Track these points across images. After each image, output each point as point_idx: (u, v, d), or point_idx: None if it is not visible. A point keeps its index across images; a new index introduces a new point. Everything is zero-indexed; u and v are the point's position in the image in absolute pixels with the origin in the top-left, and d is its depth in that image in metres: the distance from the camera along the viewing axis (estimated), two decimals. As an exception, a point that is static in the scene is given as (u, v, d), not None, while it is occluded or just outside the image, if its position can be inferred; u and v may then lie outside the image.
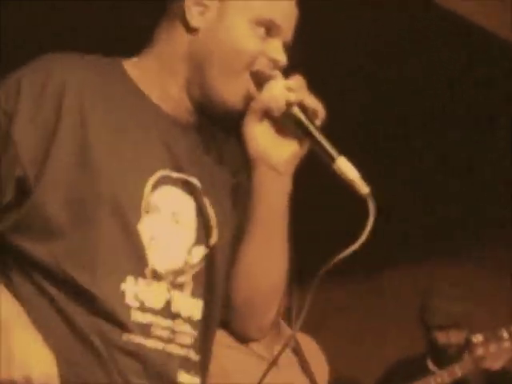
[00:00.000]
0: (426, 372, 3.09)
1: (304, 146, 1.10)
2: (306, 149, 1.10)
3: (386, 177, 3.12)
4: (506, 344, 2.98)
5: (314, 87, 1.10)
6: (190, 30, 1.11)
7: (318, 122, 1.08)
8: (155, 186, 1.09)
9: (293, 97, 1.07)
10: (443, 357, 3.12)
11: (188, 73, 1.13)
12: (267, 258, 1.15)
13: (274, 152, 1.10)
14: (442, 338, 3.10)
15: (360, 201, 1.04)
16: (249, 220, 1.14)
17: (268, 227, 1.13)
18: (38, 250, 1.05)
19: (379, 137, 3.61)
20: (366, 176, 1.05)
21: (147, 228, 1.07)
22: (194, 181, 1.13)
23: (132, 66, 1.16)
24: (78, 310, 1.04)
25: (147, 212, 1.07)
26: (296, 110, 1.07)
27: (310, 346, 2.62)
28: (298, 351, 2.51)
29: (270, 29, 1.11)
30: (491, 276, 3.94)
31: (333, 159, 1.05)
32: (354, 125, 3.25)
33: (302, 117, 1.07)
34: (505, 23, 2.90)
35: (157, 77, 1.15)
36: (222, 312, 1.17)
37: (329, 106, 1.08)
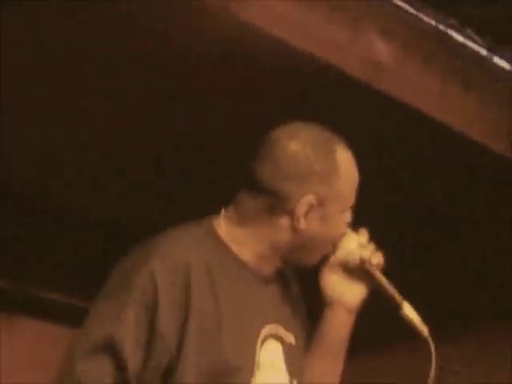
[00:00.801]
0: None
1: (369, 288, 1.41)
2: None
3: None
4: None
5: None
6: (296, 229, 1.32)
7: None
8: (261, 344, 1.35)
9: (366, 255, 1.37)
10: None
11: (286, 251, 1.35)
12: (331, 372, 1.48)
13: (348, 297, 1.41)
14: None
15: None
16: (318, 345, 1.44)
17: (335, 352, 1.45)
18: None
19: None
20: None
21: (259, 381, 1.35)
22: (282, 331, 1.40)
23: (223, 232, 1.35)
24: None
25: (258, 369, 1.34)
26: (369, 266, 1.38)
27: None
28: None
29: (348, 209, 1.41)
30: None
31: (400, 306, 1.36)
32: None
33: (376, 273, 1.38)
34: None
35: (252, 245, 1.34)
36: None
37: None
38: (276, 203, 1.33)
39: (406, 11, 2.53)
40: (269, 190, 1.33)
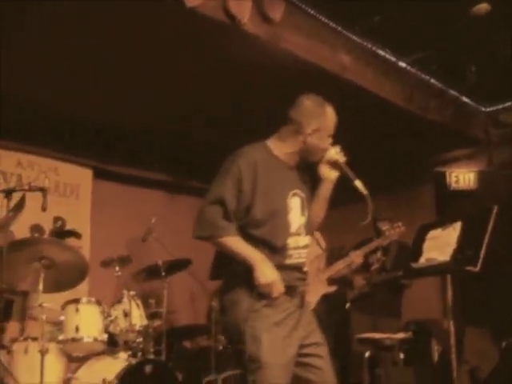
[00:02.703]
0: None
1: (340, 173, 2.71)
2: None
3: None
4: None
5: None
6: (304, 141, 2.66)
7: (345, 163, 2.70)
8: (290, 198, 2.68)
9: (342, 157, 2.69)
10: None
11: (298, 150, 2.69)
12: (321, 209, 2.79)
13: (331, 175, 2.73)
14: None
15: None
16: (317, 197, 2.76)
17: (325, 199, 2.77)
18: (255, 232, 2.59)
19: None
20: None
21: (290, 216, 2.66)
22: (299, 192, 2.73)
23: (272, 145, 2.72)
24: (271, 253, 2.58)
25: (290, 210, 2.66)
26: (341, 163, 2.68)
27: None
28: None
29: (330, 135, 2.70)
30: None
31: (353, 181, 2.63)
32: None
33: (342, 164, 2.68)
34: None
35: (283, 147, 2.71)
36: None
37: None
38: (297, 128, 2.65)
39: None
40: (295, 121, 2.66)
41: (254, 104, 4.69)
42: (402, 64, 4.88)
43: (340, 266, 5.07)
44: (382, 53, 4.70)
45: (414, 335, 4.84)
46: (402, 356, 4.70)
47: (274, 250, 2.59)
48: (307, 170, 2.82)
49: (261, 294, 2.52)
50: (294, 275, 2.66)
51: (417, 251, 3.68)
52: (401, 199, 6.16)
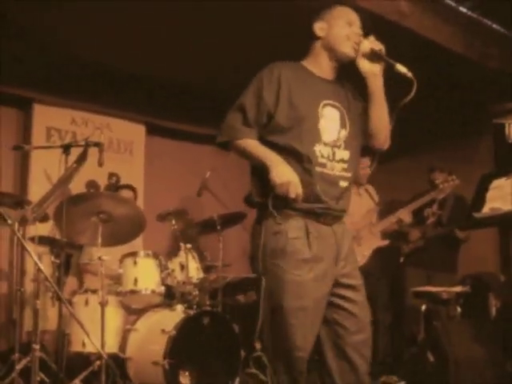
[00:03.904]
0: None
1: (380, 64, 2.50)
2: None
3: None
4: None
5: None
6: (325, 36, 2.58)
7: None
8: (322, 107, 2.52)
9: (378, 46, 2.51)
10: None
11: (327, 54, 2.59)
12: (381, 112, 2.56)
13: (373, 68, 2.52)
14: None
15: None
16: (371, 100, 2.55)
17: (379, 100, 2.54)
18: (278, 139, 2.46)
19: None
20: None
21: (321, 124, 2.49)
22: (337, 104, 2.56)
23: (306, 63, 2.62)
24: (296, 160, 2.43)
25: (321, 117, 2.50)
26: (380, 51, 2.49)
27: None
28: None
29: (350, 24, 2.56)
30: None
31: (394, 66, 2.43)
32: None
33: (383, 54, 2.48)
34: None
35: (315, 62, 2.61)
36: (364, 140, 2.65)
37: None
38: (316, 31, 2.57)
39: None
40: (311, 31, 2.59)
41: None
42: (463, 9, 4.68)
43: (391, 221, 5.04)
44: (441, -3, 4.51)
45: (472, 289, 4.77)
46: (458, 310, 4.65)
47: (300, 156, 2.42)
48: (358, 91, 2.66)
49: (278, 202, 2.36)
50: (329, 191, 2.45)
51: (479, 201, 3.59)
52: (457, 151, 6.00)
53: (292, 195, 2.31)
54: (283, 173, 2.33)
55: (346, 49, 2.52)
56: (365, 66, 2.50)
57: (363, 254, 4.94)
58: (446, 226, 5.26)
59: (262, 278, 2.41)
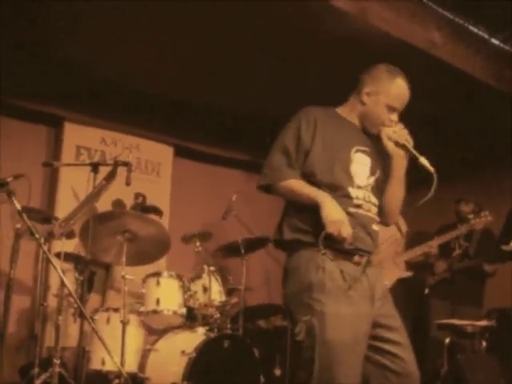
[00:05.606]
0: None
1: (406, 151, 2.56)
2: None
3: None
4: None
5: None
6: (361, 100, 2.61)
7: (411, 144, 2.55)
8: (354, 153, 2.56)
9: (404, 136, 2.55)
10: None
11: (358, 114, 2.65)
12: (398, 191, 2.62)
13: (400, 152, 2.56)
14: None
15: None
16: (391, 177, 2.60)
17: (399, 179, 2.60)
18: (315, 180, 2.48)
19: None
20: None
21: (353, 169, 2.53)
22: (367, 150, 2.61)
23: (340, 110, 2.69)
24: (335, 196, 2.44)
25: (352, 162, 2.54)
26: (405, 142, 2.54)
27: None
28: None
29: (393, 110, 2.60)
30: None
31: (418, 159, 2.47)
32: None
33: (408, 145, 2.53)
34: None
35: (350, 112, 2.66)
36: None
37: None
38: (359, 88, 2.61)
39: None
40: (359, 81, 2.62)
41: (339, 81, 4.62)
42: (495, 41, 4.67)
43: (417, 253, 4.99)
44: (474, 29, 4.50)
45: (497, 323, 4.67)
46: (484, 344, 4.55)
47: (337, 192, 2.45)
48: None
49: (327, 242, 2.34)
50: (362, 232, 2.48)
51: (507, 234, 3.53)
52: (485, 182, 5.95)
53: (344, 235, 2.34)
54: (336, 212, 2.37)
55: (375, 129, 2.61)
56: (390, 146, 2.56)
57: (385, 283, 4.88)
58: (473, 258, 5.18)
59: (299, 313, 2.40)
